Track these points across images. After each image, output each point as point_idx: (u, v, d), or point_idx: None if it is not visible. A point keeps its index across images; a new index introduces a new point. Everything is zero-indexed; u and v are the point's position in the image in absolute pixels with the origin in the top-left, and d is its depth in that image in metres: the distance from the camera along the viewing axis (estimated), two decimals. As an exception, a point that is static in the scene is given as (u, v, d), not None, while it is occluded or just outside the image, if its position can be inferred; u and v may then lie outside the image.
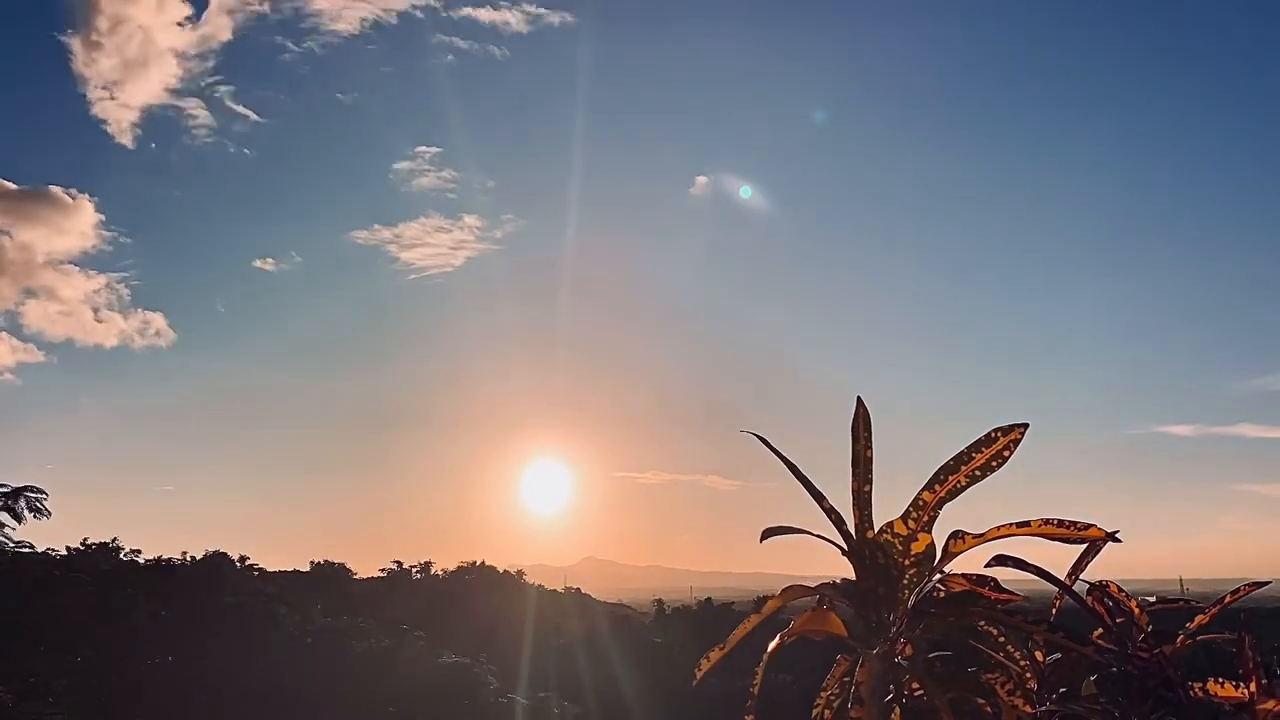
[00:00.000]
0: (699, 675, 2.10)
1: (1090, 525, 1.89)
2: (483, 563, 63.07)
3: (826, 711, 2.02)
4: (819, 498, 1.99)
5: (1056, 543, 1.93)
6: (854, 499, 1.98)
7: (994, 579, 1.97)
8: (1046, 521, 1.89)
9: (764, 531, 2.06)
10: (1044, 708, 2.11)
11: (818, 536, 1.99)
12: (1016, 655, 2.40)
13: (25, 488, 18.61)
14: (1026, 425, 1.87)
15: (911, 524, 1.89)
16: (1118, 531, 1.96)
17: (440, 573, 62.76)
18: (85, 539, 39.16)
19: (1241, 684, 2.06)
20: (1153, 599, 2.40)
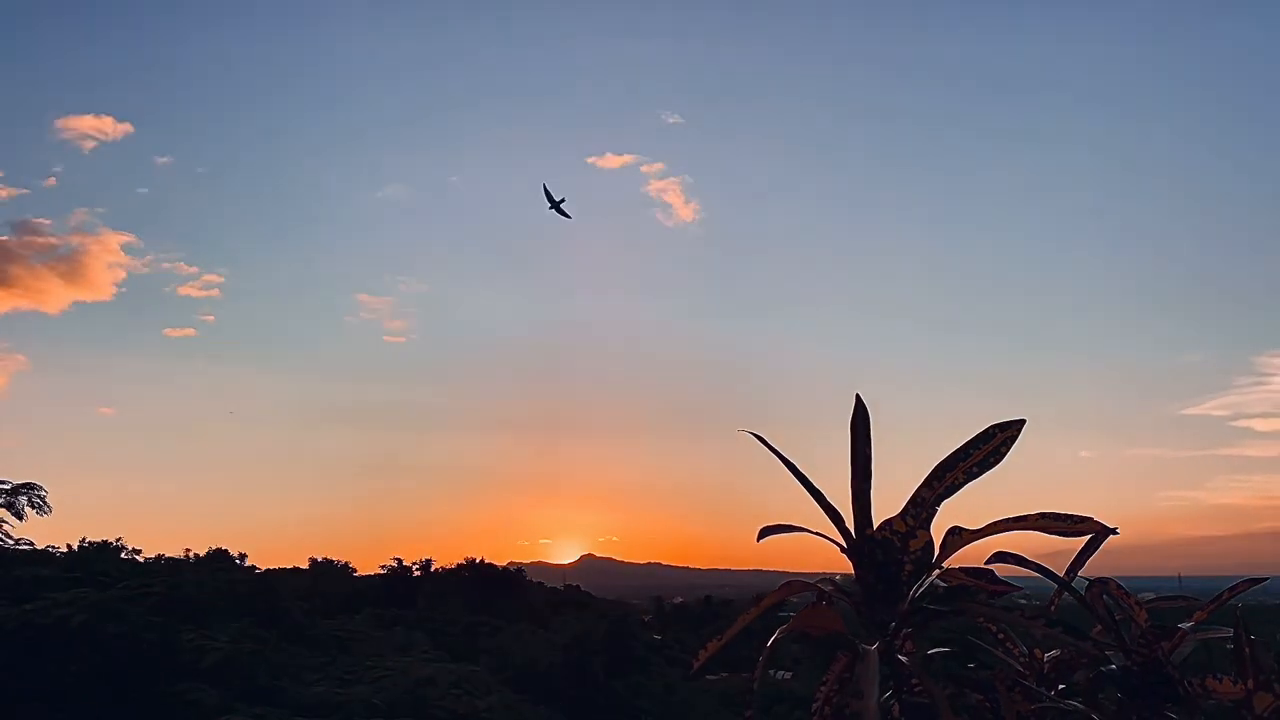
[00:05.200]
0: (696, 665, 2.11)
1: (1088, 519, 1.89)
2: (482, 561, 63.01)
3: (826, 708, 2.03)
4: (818, 496, 1.99)
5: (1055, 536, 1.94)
6: (853, 497, 1.98)
7: (992, 571, 1.98)
8: (1044, 515, 1.89)
9: (761, 530, 2.06)
10: (1043, 703, 2.12)
11: (816, 534, 1.99)
12: (1016, 651, 2.41)
13: (26, 485, 18.65)
14: (1023, 422, 1.88)
15: (910, 521, 1.89)
16: (1116, 527, 1.97)
17: (440, 571, 62.70)
18: (84, 538, 39.12)
19: (1239, 679, 2.07)
20: (1151, 595, 2.41)
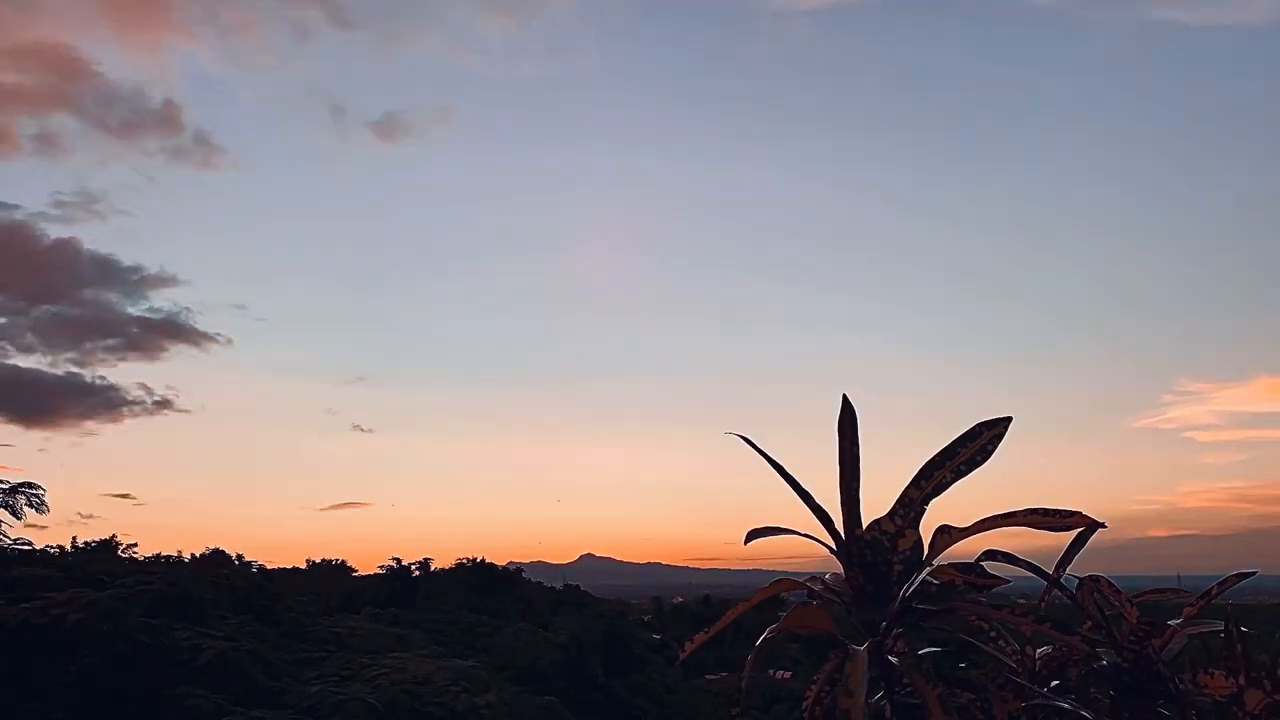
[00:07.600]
0: (683, 656, 2.12)
1: (1076, 513, 1.89)
2: (481, 560, 62.89)
3: (816, 707, 2.03)
4: (806, 497, 1.99)
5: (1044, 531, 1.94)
6: (842, 497, 1.98)
7: (980, 566, 1.98)
8: (1032, 511, 1.89)
9: (749, 533, 2.07)
10: (1034, 700, 2.12)
11: (805, 536, 1.99)
12: (1008, 649, 2.41)
13: (24, 484, 18.69)
14: (1009, 419, 1.88)
15: (899, 520, 1.89)
16: (1104, 522, 1.97)
17: (439, 570, 62.61)
18: (75, 537, 38.99)
19: (1230, 675, 2.07)
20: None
